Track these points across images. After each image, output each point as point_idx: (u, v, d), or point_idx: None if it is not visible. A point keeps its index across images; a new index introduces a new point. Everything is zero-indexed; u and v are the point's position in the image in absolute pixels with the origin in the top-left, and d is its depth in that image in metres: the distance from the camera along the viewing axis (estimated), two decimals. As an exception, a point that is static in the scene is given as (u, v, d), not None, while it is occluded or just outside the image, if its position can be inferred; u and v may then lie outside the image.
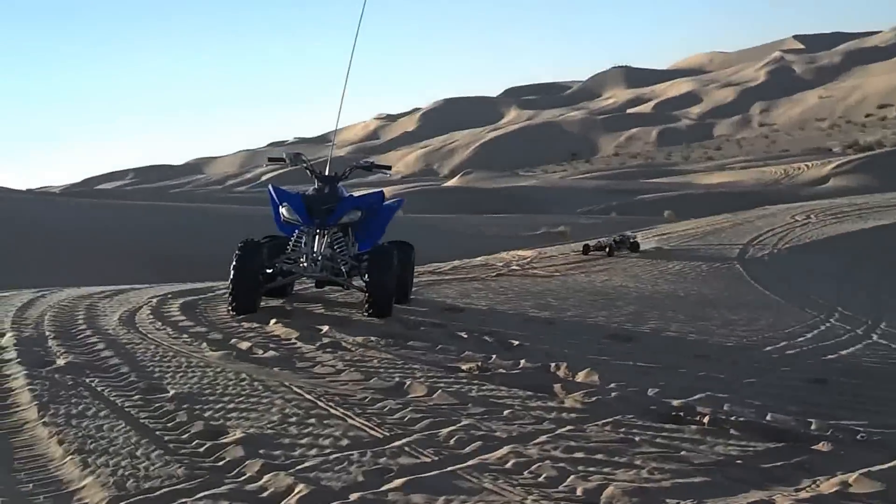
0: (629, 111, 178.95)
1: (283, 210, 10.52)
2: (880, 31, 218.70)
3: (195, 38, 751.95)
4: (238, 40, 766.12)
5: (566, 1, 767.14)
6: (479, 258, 18.43)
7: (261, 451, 5.58)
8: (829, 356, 9.35)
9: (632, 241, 18.34)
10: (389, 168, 11.96)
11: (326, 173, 10.84)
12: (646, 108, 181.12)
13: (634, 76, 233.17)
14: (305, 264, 10.40)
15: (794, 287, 15.08)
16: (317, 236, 10.39)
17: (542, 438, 5.86)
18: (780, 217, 23.35)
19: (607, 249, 17.98)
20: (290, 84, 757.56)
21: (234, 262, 10.00)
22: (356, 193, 11.20)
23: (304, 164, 10.84)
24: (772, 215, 24.09)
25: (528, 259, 17.47)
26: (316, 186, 10.62)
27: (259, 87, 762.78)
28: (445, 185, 79.37)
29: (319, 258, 10.32)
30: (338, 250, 10.47)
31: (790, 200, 42.19)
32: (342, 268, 10.48)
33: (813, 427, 6.27)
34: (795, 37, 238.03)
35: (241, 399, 6.78)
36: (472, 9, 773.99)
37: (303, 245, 10.47)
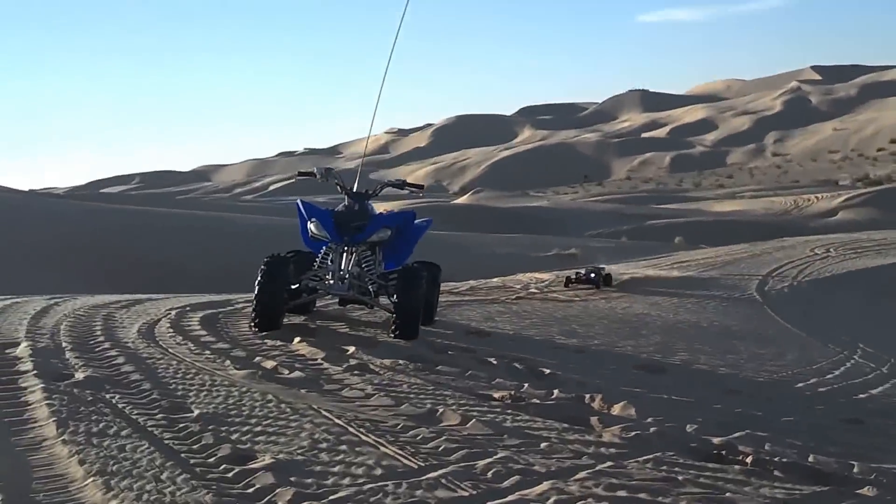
0: (644, 135, 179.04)
1: (311, 226, 10.33)
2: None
3: (209, 47, 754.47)
4: (250, 50, 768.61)
5: (584, 23, 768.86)
6: (495, 279, 18.22)
7: (292, 479, 5.39)
8: (861, 395, 9.17)
9: (604, 273, 16.82)
10: (422, 187, 11.76)
11: (355, 189, 10.66)
12: (661, 132, 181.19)
13: (651, 100, 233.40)
14: (332, 282, 10.19)
15: (816, 321, 14.87)
16: (344, 254, 10.19)
17: (583, 474, 5.66)
18: (800, 249, 23.15)
19: (595, 283, 16.44)
20: (301, 95, 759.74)
21: (259, 278, 9.80)
22: (381, 210, 11.02)
23: (335, 180, 10.64)
24: (791, 247, 23.90)
25: (547, 282, 17.26)
26: (346, 203, 10.43)
27: (269, 97, 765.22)
28: (455, 202, 79.24)
29: (347, 276, 10.12)
30: (365, 269, 10.28)
31: (799, 232, 42.05)
32: (369, 287, 10.29)
33: (856, 470, 6.08)
34: (813, 67, 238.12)
35: (268, 422, 6.59)
36: (490, 26, 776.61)
37: (329, 262, 10.27)
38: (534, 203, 78.97)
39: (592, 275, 16.33)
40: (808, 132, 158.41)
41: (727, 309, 15.15)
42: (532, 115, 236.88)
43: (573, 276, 16.64)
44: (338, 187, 10.67)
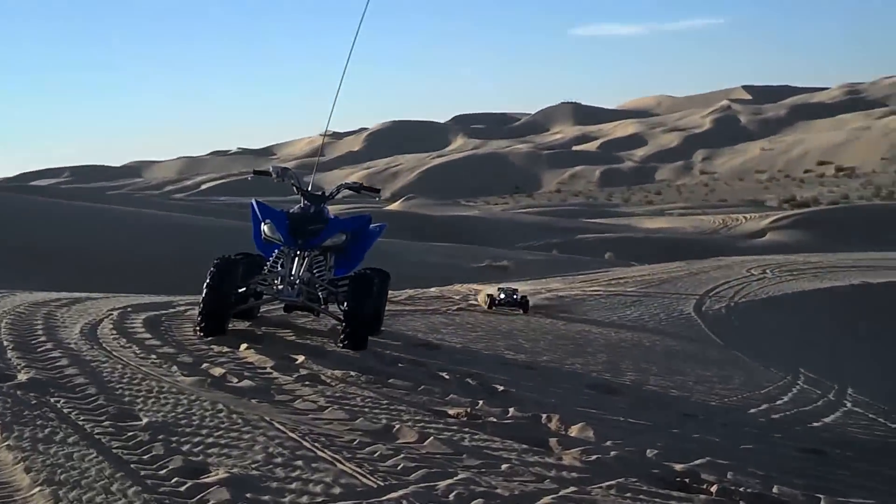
0: (575, 148, 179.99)
1: (264, 227, 10.00)
2: (828, 88, 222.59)
3: (145, 40, 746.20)
4: (184, 47, 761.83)
5: (518, 34, 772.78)
6: (433, 289, 18.05)
7: (248, 496, 5.21)
8: (815, 424, 9.15)
9: (519, 298, 15.28)
10: (379, 192, 11.51)
11: (309, 189, 10.39)
12: (591, 146, 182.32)
13: (583, 113, 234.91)
14: (281, 287, 9.89)
15: (755, 344, 14.91)
16: (296, 258, 9.89)
17: (546, 500, 5.54)
18: (736, 269, 23.23)
19: (521, 307, 15.01)
20: (234, 95, 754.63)
21: (207, 280, 9.51)
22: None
23: (292, 181, 10.37)
24: (727, 267, 24.00)
25: (481, 290, 17.13)
26: (301, 205, 10.14)
27: (204, 95, 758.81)
28: (387, 208, 78.99)
29: (297, 282, 9.82)
30: (316, 274, 9.98)
31: (729, 251, 42.40)
32: (319, 293, 10.01)
33: (823, 504, 6.02)
34: (744, 87, 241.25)
35: (220, 433, 6.37)
36: (426, 32, 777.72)
37: (280, 267, 9.97)
38: (465, 212, 78.99)
39: (515, 297, 15.27)
40: (735, 151, 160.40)
41: (667, 328, 15.14)
42: (465, 123, 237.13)
43: (497, 298, 15.24)
44: (293, 188, 10.39)
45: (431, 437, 6.55)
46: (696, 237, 63.79)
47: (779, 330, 16.96)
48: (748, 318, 17.40)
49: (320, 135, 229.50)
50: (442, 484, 5.62)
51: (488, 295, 15.57)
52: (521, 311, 15.00)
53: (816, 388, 11.36)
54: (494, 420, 7.28)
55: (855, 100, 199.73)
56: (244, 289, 10.03)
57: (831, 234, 58.61)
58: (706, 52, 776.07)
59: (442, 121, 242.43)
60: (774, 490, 6.18)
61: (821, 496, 6.14)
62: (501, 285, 16.71)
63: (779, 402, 10.01)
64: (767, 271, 22.87)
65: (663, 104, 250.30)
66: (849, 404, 10.54)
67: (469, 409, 7.49)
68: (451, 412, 7.41)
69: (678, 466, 6.41)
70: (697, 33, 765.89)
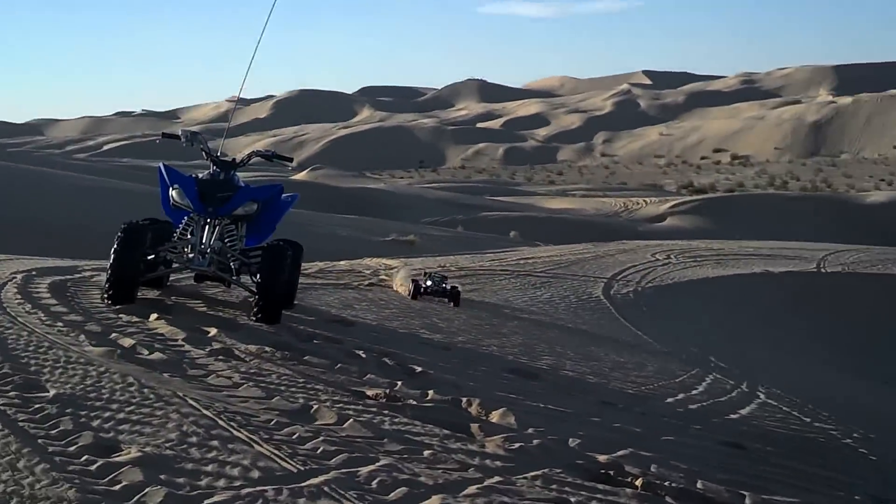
0: (479, 125, 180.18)
1: (173, 193, 9.60)
2: (725, 77, 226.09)
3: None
4: (90, 8, 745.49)
5: (426, 8, 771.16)
6: (343, 262, 17.81)
7: (162, 477, 4.96)
8: (732, 416, 9.14)
9: (450, 289, 13.71)
10: (291, 160, 11.14)
11: (218, 156, 9.98)
12: (495, 123, 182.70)
13: (488, 91, 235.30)
14: (192, 255, 9.54)
15: (664, 330, 14.96)
16: (206, 226, 9.52)
17: (472, 490, 5.37)
18: (641, 254, 23.35)
19: (450, 297, 13.48)
20: (142, 56, 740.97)
21: (115, 247, 9.13)
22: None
23: (201, 145, 9.98)
24: (632, 251, 24.10)
25: (396, 269, 16.94)
26: (211, 171, 9.73)
27: (110, 55, 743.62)
28: (293, 177, 78.17)
29: (208, 251, 9.47)
30: (228, 244, 9.62)
31: (631, 234, 42.83)
32: (231, 264, 9.66)
33: (748, 502, 5.97)
34: (645, 71, 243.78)
35: (131, 408, 6.09)
36: (336, 2, 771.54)
37: (189, 234, 9.61)
38: (371, 185, 78.59)
39: (445, 286, 13.67)
40: (635, 135, 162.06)
41: (578, 311, 15.12)
42: (372, 95, 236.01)
43: (423, 286, 13.59)
44: (203, 153, 10.00)
45: (351, 420, 6.34)
46: (598, 219, 64.22)
47: (686, 316, 17.06)
48: (656, 304, 17.49)
49: (227, 100, 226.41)
50: (364, 470, 5.43)
51: (412, 281, 13.89)
52: (452, 304, 13.33)
53: (728, 378, 11.40)
54: (414, 403, 7.09)
55: (750, 89, 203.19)
56: (153, 256, 9.65)
57: (729, 222, 59.47)
58: (610, 35, 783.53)
59: (349, 91, 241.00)
60: (699, 485, 6.11)
61: (745, 493, 6.09)
62: (429, 269, 15.21)
63: (694, 392, 10.00)
64: (672, 256, 23.05)
65: (566, 85, 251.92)
66: (762, 396, 10.57)
67: (388, 391, 7.29)
68: (369, 393, 7.20)
69: (601, 457, 6.31)
70: (603, 17, 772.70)
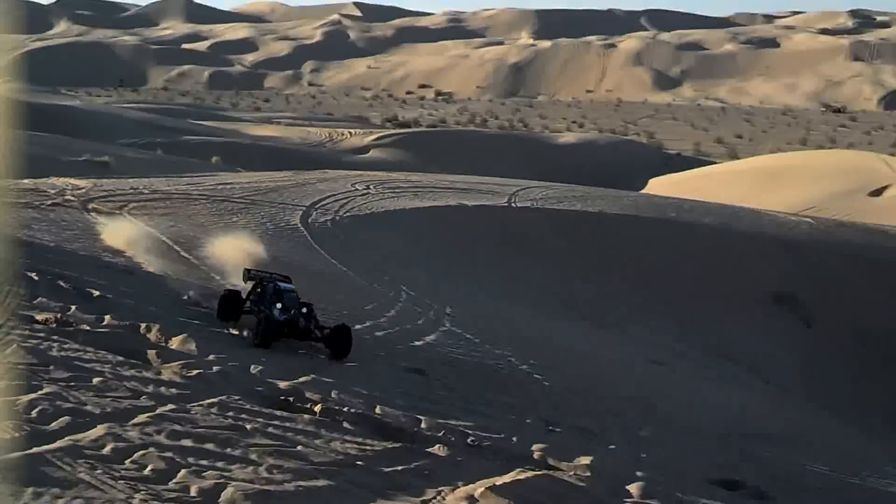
0: (185, 46, 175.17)
1: None
2: (433, 14, 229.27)
3: None
4: None
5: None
6: (26, 180, 16.87)
7: None
8: (416, 342, 9.25)
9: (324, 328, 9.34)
10: None
11: None
12: (201, 45, 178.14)
13: (195, 11, 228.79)
14: None
15: (358, 259, 15.02)
16: None
17: (142, 418, 5.17)
18: (341, 183, 23.32)
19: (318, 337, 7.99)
20: None
21: None
22: None
23: None
24: (333, 180, 24.03)
25: (85, 190, 16.20)
26: None
27: None
28: (-22, 89, 73.47)
29: None
30: None
31: (334, 165, 42.85)
32: None
33: (424, 426, 6.04)
34: (356, 3, 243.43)
35: None
36: None
37: None
38: (65, 102, 74.94)
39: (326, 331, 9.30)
40: (343, 66, 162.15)
41: (273, 239, 14.93)
42: (70, 8, 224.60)
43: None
44: None
45: (15, 346, 5.96)
46: (302, 148, 63.94)
47: (381, 246, 17.16)
48: (353, 233, 17.51)
49: None
50: (24, 399, 5.11)
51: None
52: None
53: (417, 306, 11.53)
54: (88, 328, 6.77)
55: (457, 28, 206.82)
56: None
57: (430, 156, 60.54)
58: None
59: (45, 2, 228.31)
60: (377, 410, 6.13)
61: (421, 417, 6.13)
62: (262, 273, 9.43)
63: (382, 320, 10.05)
64: (371, 187, 23.14)
65: (277, 11, 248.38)
66: (448, 324, 10.75)
67: (60, 316, 6.91)
68: (39, 318, 6.80)
69: (282, 384, 6.23)
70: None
